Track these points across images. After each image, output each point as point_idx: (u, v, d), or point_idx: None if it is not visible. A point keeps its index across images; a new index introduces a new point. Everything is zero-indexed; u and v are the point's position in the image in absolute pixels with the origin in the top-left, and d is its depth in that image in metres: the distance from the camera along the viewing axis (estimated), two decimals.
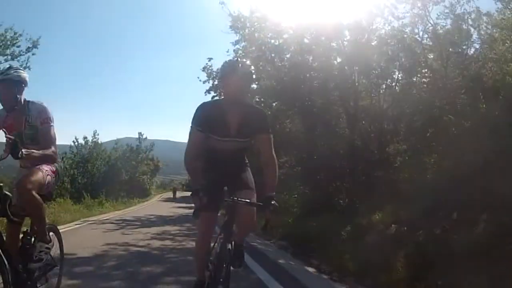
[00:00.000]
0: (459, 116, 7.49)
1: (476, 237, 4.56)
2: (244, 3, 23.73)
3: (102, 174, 38.23)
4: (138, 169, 44.71)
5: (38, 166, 3.15)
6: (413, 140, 10.39)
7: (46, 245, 3.12)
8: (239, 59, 3.32)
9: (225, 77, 2.85)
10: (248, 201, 2.73)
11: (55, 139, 3.27)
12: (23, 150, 2.84)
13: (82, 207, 18.18)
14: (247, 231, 3.24)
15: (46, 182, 3.15)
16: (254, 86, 15.18)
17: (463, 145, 6.50)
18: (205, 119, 2.85)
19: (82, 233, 9.27)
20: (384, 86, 14.04)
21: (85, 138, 37.61)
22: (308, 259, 6.52)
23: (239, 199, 2.69)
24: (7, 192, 2.85)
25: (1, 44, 14.57)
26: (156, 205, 32.19)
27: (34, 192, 2.96)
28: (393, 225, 6.42)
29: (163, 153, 78.05)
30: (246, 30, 15.08)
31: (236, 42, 15.56)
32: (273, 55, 15.11)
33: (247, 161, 3.24)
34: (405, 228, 5.99)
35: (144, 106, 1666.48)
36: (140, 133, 47.70)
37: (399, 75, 13.84)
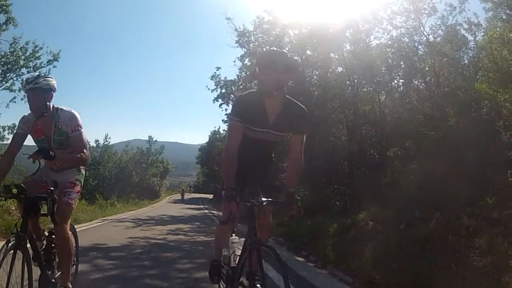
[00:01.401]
0: (432, 128, 8.64)
1: (428, 231, 5.72)
2: (249, 18, 24.75)
3: (113, 176, 39.65)
4: (148, 172, 46.12)
5: (66, 197, 3.24)
6: (397, 147, 11.45)
7: None
8: (277, 50, 3.18)
9: (261, 69, 2.77)
10: (271, 199, 2.67)
11: (87, 143, 3.41)
12: (54, 151, 3.02)
13: (95, 207, 19.28)
14: (268, 230, 3.15)
15: (75, 206, 3.38)
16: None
17: (431, 155, 7.68)
18: (244, 110, 2.81)
19: (106, 229, 10.60)
20: (383, 92, 14.58)
21: (97, 141, 39.18)
22: (300, 251, 7.69)
23: (263, 199, 2.60)
24: (56, 196, 2.94)
25: (24, 57, 15.55)
26: (166, 206, 33.37)
27: (67, 229, 3.16)
28: (370, 222, 7.60)
29: (172, 155, 79.27)
30: (251, 45, 16.24)
31: (242, 57, 16.62)
32: None
33: (273, 157, 3.29)
34: (379, 224, 7.17)
35: (153, 108, 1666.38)
36: (150, 137, 49.17)
37: (399, 82, 14.61)
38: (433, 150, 7.71)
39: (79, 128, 3.28)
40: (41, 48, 15.45)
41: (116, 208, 22.52)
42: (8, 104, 14.65)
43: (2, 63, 14.78)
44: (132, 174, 42.84)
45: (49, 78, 3.22)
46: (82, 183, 3.49)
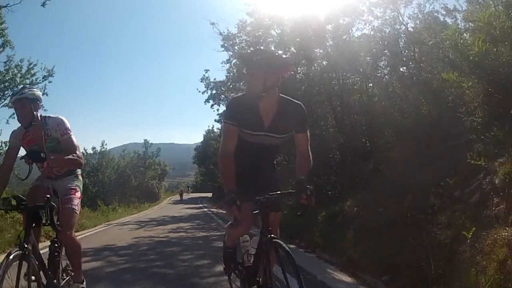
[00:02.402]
0: (406, 116, 9.32)
1: (401, 212, 6.38)
2: (234, 21, 24.88)
3: (112, 182, 40.20)
4: (146, 175, 46.73)
5: (69, 203, 3.29)
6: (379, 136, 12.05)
7: (82, 285, 3.35)
8: (262, 49, 2.96)
9: (248, 69, 2.68)
10: (279, 192, 2.62)
11: (78, 145, 3.42)
12: (45, 153, 3.04)
13: (98, 214, 19.93)
14: (277, 226, 2.96)
15: (79, 212, 3.41)
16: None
17: (406, 142, 8.37)
18: (237, 113, 2.69)
19: (112, 232, 11.32)
20: (370, 82, 14.75)
21: (93, 148, 39.57)
22: (292, 239, 8.37)
23: (270, 194, 2.52)
24: (53, 203, 3.02)
25: (20, 74, 16.01)
26: (167, 207, 34.22)
27: (74, 235, 3.26)
28: (355, 208, 8.28)
29: (168, 156, 79.41)
30: (236, 47, 16.55)
31: (228, 61, 17.13)
32: None
33: (276, 163, 3.16)
34: (361, 209, 7.85)
35: (147, 110, 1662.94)
36: (146, 140, 49.71)
37: (385, 71, 14.77)
38: (408, 137, 8.40)
39: (68, 131, 3.34)
40: (35, 65, 15.27)
41: (118, 213, 23.22)
42: (8, 120, 14.49)
43: None
44: (131, 178, 43.32)
45: (34, 89, 3.34)
46: (82, 189, 3.55)
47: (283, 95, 2.80)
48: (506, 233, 3.84)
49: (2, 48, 13.57)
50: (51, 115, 3.40)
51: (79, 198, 3.42)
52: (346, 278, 5.08)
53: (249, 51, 15.12)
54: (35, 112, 3.27)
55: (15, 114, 3.32)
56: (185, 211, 23.51)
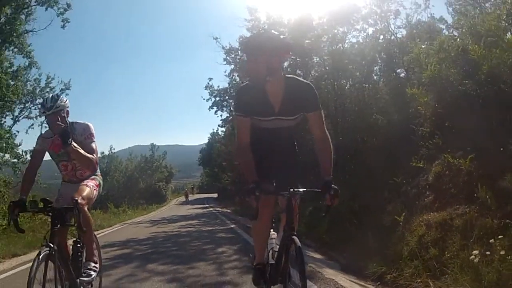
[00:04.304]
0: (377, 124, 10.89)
1: (364, 203, 7.93)
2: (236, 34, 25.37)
3: (121, 185, 41.78)
4: (153, 177, 48.39)
5: (85, 183, 3.44)
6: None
7: (94, 264, 3.35)
8: (263, 31, 2.84)
9: (249, 54, 2.68)
10: (304, 189, 2.54)
11: (97, 152, 3.51)
12: (72, 142, 3.14)
13: (110, 215, 21.40)
14: (297, 221, 2.79)
15: (93, 196, 3.47)
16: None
17: (375, 146, 9.97)
18: (246, 102, 2.66)
19: (130, 230, 13.16)
20: (367, 85, 15.05)
21: (102, 153, 41.04)
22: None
23: (295, 190, 2.49)
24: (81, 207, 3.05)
25: (39, 88, 16.41)
26: (174, 208, 35.52)
27: (86, 209, 3.24)
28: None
29: (174, 158, 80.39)
30: (237, 59, 18.01)
31: (230, 74, 18.68)
32: None
33: (296, 146, 3.07)
34: (339, 204, 9.39)
35: (151, 113, 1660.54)
36: (152, 144, 51.32)
37: (379, 76, 15.16)
38: (376, 142, 10.01)
39: (92, 137, 3.48)
40: (53, 79, 16.61)
41: (128, 214, 24.54)
42: (27, 130, 15.71)
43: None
44: (138, 181, 45.11)
45: (64, 98, 3.40)
46: (101, 183, 3.67)
47: (289, 75, 2.77)
48: (428, 217, 5.31)
49: (29, 68, 15.11)
50: (79, 121, 3.55)
51: (97, 186, 3.56)
52: (318, 256, 6.64)
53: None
54: (67, 120, 3.41)
55: (47, 122, 3.40)
56: (192, 211, 25.22)
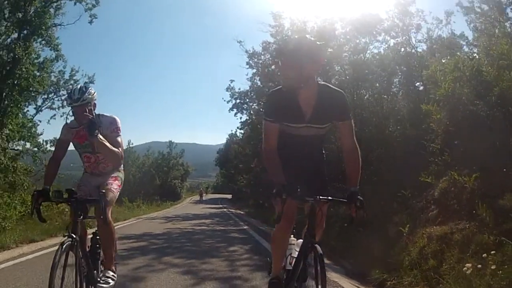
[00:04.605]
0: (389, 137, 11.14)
1: (373, 213, 8.18)
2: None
3: (137, 180, 42.35)
4: (169, 175, 48.92)
5: (109, 184, 3.38)
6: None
7: (113, 274, 3.29)
8: (297, 37, 3.06)
9: (283, 61, 2.66)
10: (330, 198, 2.51)
11: (122, 146, 3.43)
12: (99, 134, 3.07)
13: (125, 209, 21.63)
14: (322, 230, 2.83)
15: (115, 200, 3.44)
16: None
17: (388, 158, 10.24)
18: (276, 108, 2.62)
19: (145, 224, 13.60)
20: (386, 96, 14.89)
21: None
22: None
23: (321, 197, 2.44)
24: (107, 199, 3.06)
25: (63, 80, 16.18)
26: (188, 206, 36.01)
27: (109, 215, 3.24)
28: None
29: (190, 157, 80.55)
30: (260, 64, 18.14)
31: (252, 77, 18.76)
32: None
33: (324, 154, 3.03)
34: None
35: (170, 110, 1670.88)
36: (170, 141, 51.94)
37: (398, 88, 15.04)
38: (389, 154, 10.25)
39: (118, 131, 3.39)
40: (77, 72, 16.34)
41: (143, 209, 24.82)
42: (49, 121, 15.59)
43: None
44: (154, 177, 45.55)
45: (91, 91, 3.27)
46: (123, 180, 3.62)
47: (322, 83, 2.72)
48: (431, 230, 5.52)
49: (56, 61, 15.13)
50: (105, 114, 3.46)
51: (119, 186, 3.51)
52: (326, 261, 6.88)
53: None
54: (94, 112, 3.31)
55: (72, 113, 3.28)
56: (206, 210, 25.68)
